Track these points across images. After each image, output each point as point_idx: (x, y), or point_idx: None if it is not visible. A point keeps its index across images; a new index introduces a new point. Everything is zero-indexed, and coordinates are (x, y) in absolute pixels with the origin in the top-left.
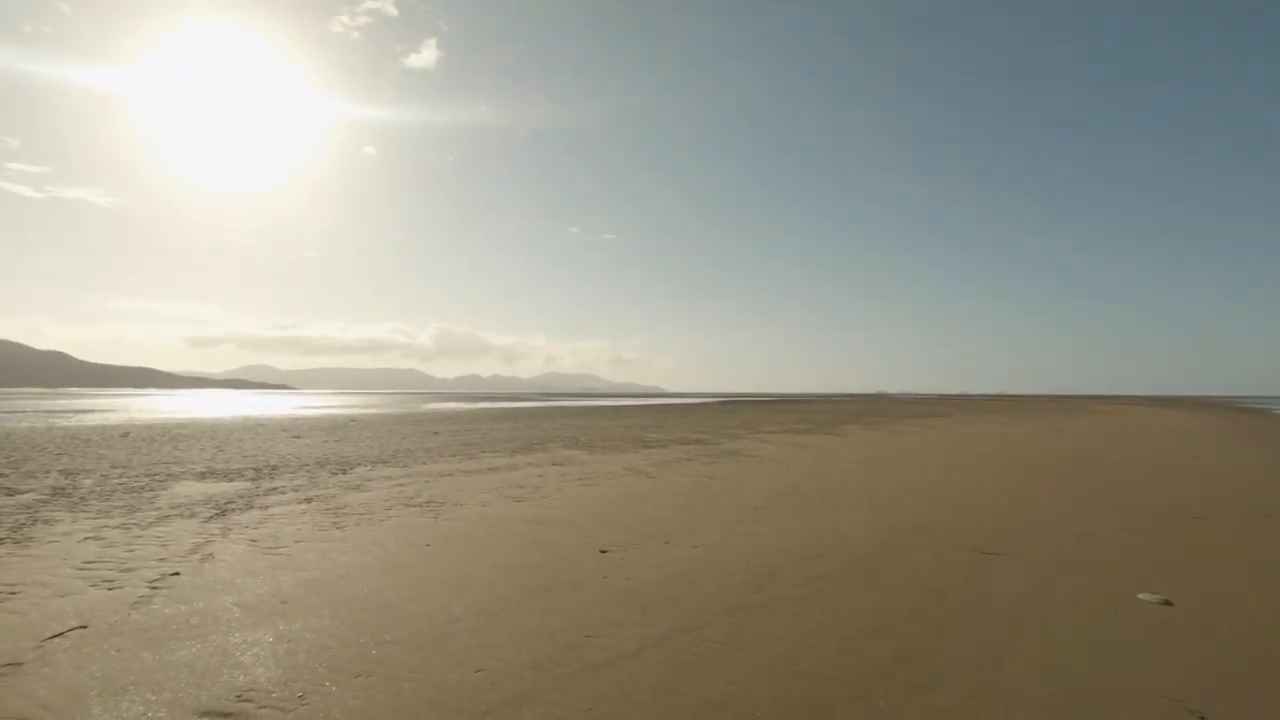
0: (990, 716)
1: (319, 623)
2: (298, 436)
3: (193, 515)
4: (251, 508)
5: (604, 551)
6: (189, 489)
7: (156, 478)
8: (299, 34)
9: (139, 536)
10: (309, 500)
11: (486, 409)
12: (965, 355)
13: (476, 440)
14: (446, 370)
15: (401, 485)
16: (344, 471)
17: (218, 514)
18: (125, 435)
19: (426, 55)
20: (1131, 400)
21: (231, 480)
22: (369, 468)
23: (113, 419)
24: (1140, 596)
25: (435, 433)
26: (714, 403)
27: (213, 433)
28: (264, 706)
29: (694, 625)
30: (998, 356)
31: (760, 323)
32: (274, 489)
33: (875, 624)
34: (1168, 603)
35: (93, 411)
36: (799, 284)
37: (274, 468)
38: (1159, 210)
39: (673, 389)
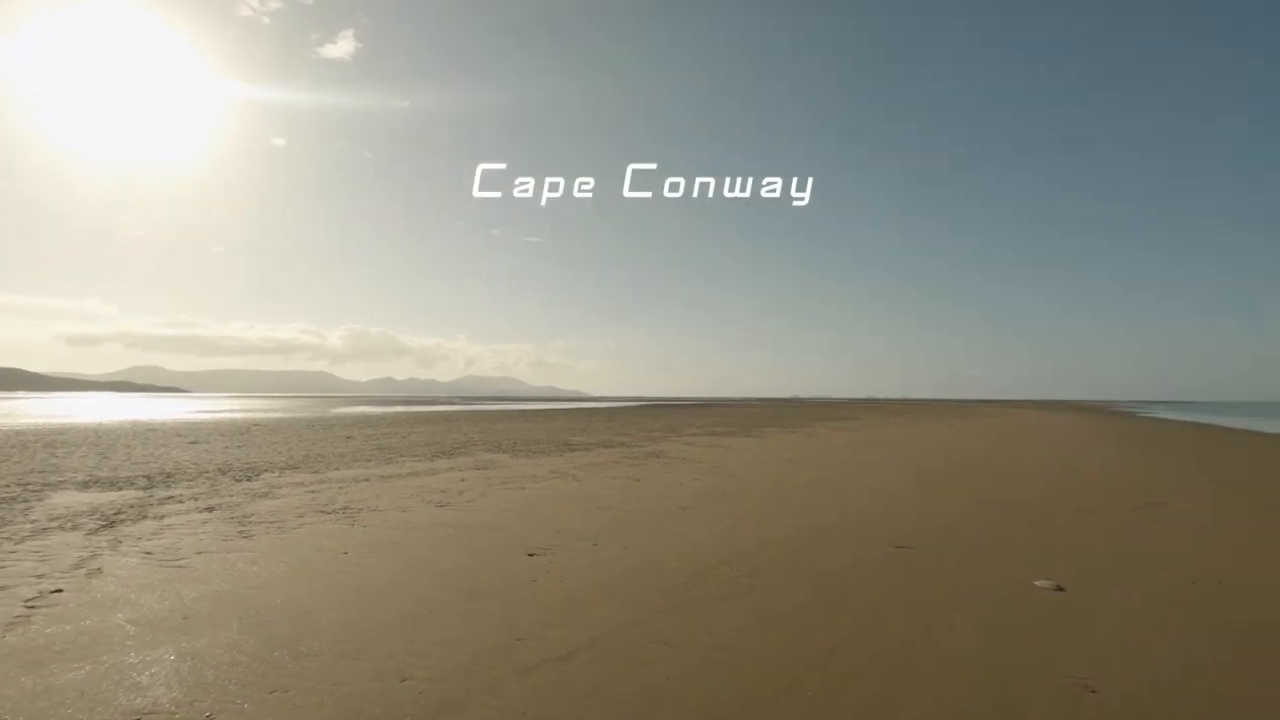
0: (913, 700)
1: (227, 637)
2: (195, 442)
3: (75, 527)
4: (145, 518)
5: (532, 555)
6: (70, 499)
7: (30, 487)
8: (203, 16)
9: (12, 552)
10: (210, 509)
11: (403, 413)
12: (868, 361)
13: (394, 444)
14: (359, 373)
15: (314, 492)
16: (249, 478)
17: (105, 525)
18: None
19: (343, 46)
20: (1017, 404)
21: (120, 489)
22: (277, 474)
23: None
24: (1036, 584)
25: (348, 437)
26: (636, 406)
27: (95, 438)
28: None
29: (626, 624)
30: (891, 362)
31: (680, 329)
32: (170, 498)
33: (803, 618)
34: (1060, 589)
35: None
36: (714, 293)
37: (169, 475)
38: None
39: (595, 393)
